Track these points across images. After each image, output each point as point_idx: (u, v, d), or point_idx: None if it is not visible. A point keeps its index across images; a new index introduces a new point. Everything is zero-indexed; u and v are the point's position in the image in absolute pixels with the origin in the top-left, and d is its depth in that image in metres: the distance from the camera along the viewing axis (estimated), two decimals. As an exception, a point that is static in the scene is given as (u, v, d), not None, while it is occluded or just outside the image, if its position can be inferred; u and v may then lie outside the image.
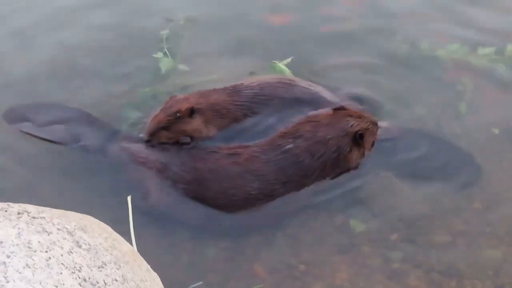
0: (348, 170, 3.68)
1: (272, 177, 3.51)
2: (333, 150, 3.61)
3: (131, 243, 2.71)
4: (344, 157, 3.64)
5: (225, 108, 3.83)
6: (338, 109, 3.76)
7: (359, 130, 3.65)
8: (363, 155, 3.73)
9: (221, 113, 3.81)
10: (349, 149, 3.64)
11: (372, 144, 3.78)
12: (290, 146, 3.57)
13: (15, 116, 4.00)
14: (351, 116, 3.70)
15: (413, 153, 3.86)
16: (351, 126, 3.65)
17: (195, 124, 3.74)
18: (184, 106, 3.71)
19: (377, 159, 3.79)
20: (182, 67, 4.41)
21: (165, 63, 4.40)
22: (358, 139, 3.65)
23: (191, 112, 3.71)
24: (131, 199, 3.33)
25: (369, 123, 3.74)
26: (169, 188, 3.54)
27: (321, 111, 3.80)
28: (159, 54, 4.47)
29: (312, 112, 3.81)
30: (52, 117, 3.99)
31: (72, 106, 4.10)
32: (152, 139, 3.72)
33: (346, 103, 3.93)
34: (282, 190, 3.52)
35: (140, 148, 3.71)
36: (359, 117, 3.72)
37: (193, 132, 3.76)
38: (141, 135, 3.79)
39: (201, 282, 3.19)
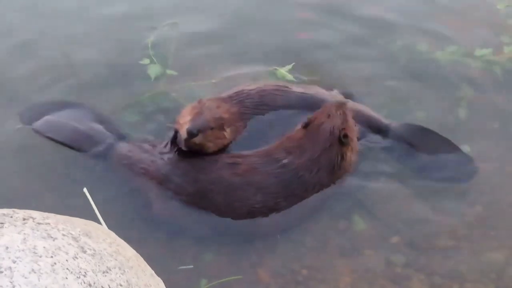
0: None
1: (274, 190, 3.48)
2: (326, 164, 3.56)
3: (135, 250, 2.73)
4: (339, 167, 3.59)
5: (238, 122, 3.78)
6: (308, 124, 3.63)
7: (339, 132, 3.57)
8: (356, 150, 3.69)
9: (235, 126, 3.75)
10: (341, 156, 3.59)
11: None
12: (286, 161, 3.53)
13: (30, 116, 4.05)
14: (323, 123, 3.59)
15: (411, 150, 3.89)
16: (331, 133, 3.57)
17: (227, 135, 3.65)
18: (225, 115, 3.63)
19: (376, 163, 3.83)
20: (170, 72, 4.44)
21: (153, 69, 4.44)
22: (344, 141, 3.58)
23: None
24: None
25: (339, 112, 3.60)
26: (171, 200, 3.51)
27: (294, 131, 3.69)
28: (146, 61, 4.50)
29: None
30: (65, 117, 4.03)
31: (86, 106, 4.14)
32: (195, 136, 3.46)
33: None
34: (285, 203, 3.49)
35: (141, 158, 3.66)
36: (328, 116, 3.60)
37: (219, 143, 3.62)
38: (182, 135, 3.51)
39: (191, 266, 3.26)
